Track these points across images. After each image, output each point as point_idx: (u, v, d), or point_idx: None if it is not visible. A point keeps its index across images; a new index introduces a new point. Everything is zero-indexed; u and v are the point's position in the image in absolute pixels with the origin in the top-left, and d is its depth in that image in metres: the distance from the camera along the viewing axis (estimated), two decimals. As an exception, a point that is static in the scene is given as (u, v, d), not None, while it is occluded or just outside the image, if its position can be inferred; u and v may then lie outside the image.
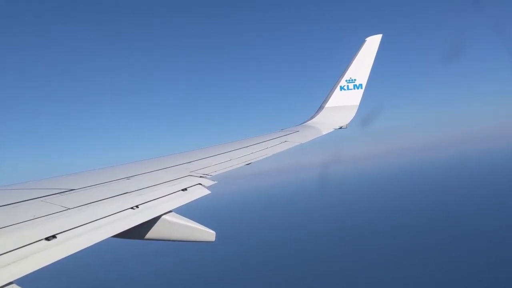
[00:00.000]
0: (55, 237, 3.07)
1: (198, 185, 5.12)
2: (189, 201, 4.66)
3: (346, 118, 9.94)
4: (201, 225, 4.37)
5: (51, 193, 4.08)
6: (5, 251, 2.73)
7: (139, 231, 4.04)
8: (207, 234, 4.34)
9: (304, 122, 10.13)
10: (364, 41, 10.38)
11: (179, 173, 5.46)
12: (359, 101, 10.28)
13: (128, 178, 5.02)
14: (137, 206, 4.07)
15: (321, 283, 63.41)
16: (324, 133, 9.22)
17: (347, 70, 10.37)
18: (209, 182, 5.29)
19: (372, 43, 10.28)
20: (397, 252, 74.19)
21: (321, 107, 10.42)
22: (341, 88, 10.31)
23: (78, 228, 3.34)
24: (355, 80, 10.29)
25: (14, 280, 2.57)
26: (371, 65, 10.26)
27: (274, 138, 8.24)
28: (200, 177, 5.43)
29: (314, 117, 10.22)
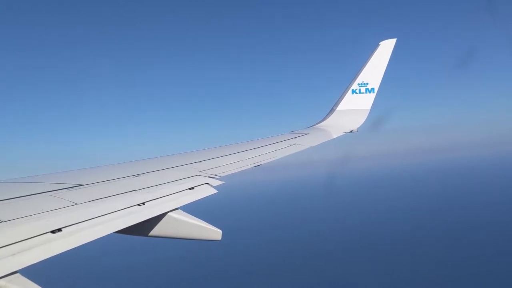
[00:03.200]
0: (61, 230, 3.13)
1: (205, 184, 5.12)
2: (195, 199, 4.66)
3: (357, 122, 9.88)
4: (207, 223, 4.34)
5: (61, 188, 4.14)
6: (12, 242, 2.80)
7: (144, 228, 4.06)
8: (214, 232, 4.30)
9: (314, 125, 10.10)
10: (378, 45, 10.31)
11: (187, 172, 5.47)
12: (370, 105, 10.21)
13: (136, 175, 5.06)
14: (143, 203, 4.09)
15: (324, 282, 63.19)
16: (334, 136, 9.18)
17: (359, 73, 10.31)
18: (217, 182, 5.28)
19: (386, 47, 10.21)
20: (398, 254, 73.54)
21: (332, 110, 10.37)
22: (353, 91, 10.25)
23: (84, 222, 3.39)
24: (367, 84, 10.22)
25: (19, 270, 2.63)
26: (384, 70, 10.19)
27: (284, 140, 8.22)
28: (209, 177, 5.43)
29: (325, 119, 10.19)
